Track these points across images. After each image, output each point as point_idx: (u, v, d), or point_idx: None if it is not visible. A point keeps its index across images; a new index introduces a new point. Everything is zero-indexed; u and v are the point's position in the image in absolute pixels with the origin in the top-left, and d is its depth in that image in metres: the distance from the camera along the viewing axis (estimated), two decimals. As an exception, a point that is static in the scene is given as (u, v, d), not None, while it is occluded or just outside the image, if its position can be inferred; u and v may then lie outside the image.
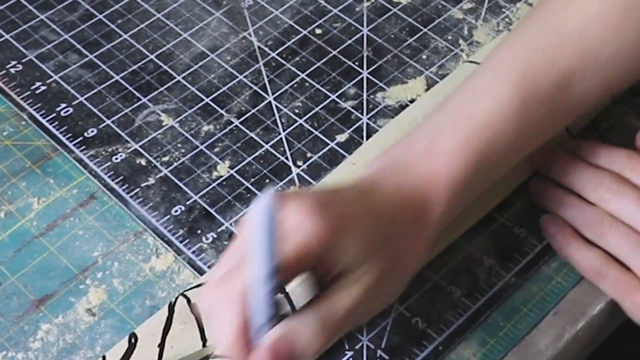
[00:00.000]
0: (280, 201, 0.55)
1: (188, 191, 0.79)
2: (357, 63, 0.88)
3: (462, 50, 0.88)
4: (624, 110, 0.83)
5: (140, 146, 0.82)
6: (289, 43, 0.90)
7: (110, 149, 0.82)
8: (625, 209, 0.71)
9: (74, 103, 0.85)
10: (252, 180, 0.79)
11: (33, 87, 0.86)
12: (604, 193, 0.72)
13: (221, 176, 0.80)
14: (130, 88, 0.86)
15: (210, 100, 0.85)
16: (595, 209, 0.72)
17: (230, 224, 0.76)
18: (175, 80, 0.87)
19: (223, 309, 0.60)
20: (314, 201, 0.60)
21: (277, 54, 0.89)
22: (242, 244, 0.61)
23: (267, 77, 0.87)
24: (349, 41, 0.90)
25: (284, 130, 0.83)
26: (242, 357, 0.59)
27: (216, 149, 0.82)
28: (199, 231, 0.76)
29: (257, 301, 0.58)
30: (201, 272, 0.73)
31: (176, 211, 0.77)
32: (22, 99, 0.85)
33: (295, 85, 0.87)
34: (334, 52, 0.89)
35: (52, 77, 0.87)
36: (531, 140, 0.71)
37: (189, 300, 0.70)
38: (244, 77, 0.87)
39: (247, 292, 0.58)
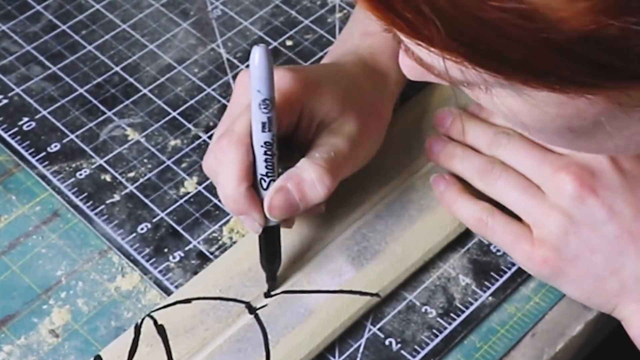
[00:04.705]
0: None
1: (154, 208, 0.77)
2: (328, 76, 0.87)
3: (436, 63, 0.87)
4: None
5: (105, 162, 0.80)
6: (258, 55, 0.89)
7: (74, 165, 0.80)
8: (513, 158, 0.71)
9: (36, 117, 0.84)
10: (221, 196, 0.78)
11: (-6, 101, 0.85)
12: (496, 147, 0.73)
13: (188, 193, 0.78)
14: (95, 101, 0.85)
15: (178, 114, 0.84)
16: (486, 158, 0.73)
17: (198, 242, 0.75)
18: (141, 93, 0.86)
19: (227, 154, 0.66)
20: (284, 67, 0.72)
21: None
22: (236, 104, 0.70)
23: (236, 90, 0.86)
24: (321, 53, 0.89)
25: (253, 145, 0.81)
26: (247, 203, 0.66)
27: (183, 165, 0.80)
28: (165, 250, 0.75)
29: (258, 149, 0.65)
30: (168, 292, 0.72)
31: (142, 229, 0.76)
32: (-18, 112, 0.84)
33: (265, 99, 0.85)
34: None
35: (14, 89, 0.86)
36: None
37: (155, 322, 0.69)
38: (212, 90, 0.86)
39: (247, 135, 0.66)
